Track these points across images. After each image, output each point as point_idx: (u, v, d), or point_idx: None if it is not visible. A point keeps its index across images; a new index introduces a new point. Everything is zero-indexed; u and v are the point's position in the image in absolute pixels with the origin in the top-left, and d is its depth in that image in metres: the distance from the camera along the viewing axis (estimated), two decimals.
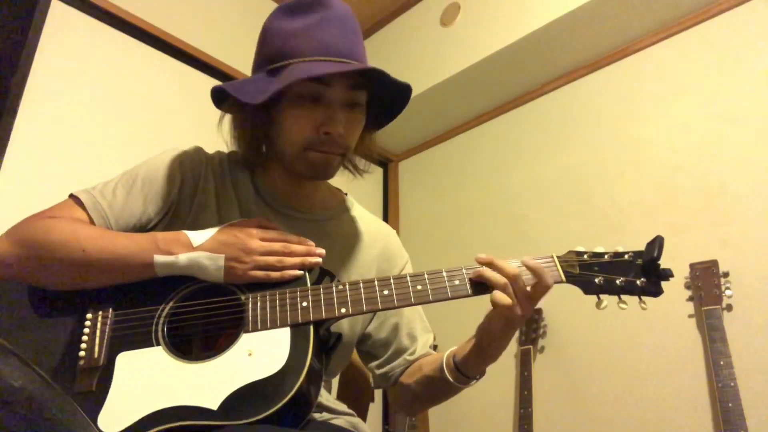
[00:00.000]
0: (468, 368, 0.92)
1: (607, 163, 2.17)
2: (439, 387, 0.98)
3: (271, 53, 0.92)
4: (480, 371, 0.94)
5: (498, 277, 0.82)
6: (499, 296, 0.82)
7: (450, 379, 0.93)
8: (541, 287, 0.83)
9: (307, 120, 0.91)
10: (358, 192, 1.21)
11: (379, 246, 1.08)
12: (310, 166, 0.95)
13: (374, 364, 1.08)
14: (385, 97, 0.96)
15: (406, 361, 1.05)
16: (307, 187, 1.03)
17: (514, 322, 0.85)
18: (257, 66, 0.95)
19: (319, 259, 0.90)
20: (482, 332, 0.89)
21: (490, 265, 0.84)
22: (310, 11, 0.90)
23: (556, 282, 0.86)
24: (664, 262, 0.86)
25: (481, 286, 0.85)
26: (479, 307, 0.87)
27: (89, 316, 0.82)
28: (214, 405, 0.73)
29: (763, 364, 1.62)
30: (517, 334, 2.18)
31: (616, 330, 1.95)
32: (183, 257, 0.83)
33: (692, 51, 2.04)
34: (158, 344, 0.80)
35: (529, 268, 0.83)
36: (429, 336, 1.10)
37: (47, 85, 1.79)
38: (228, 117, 1.00)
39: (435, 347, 1.11)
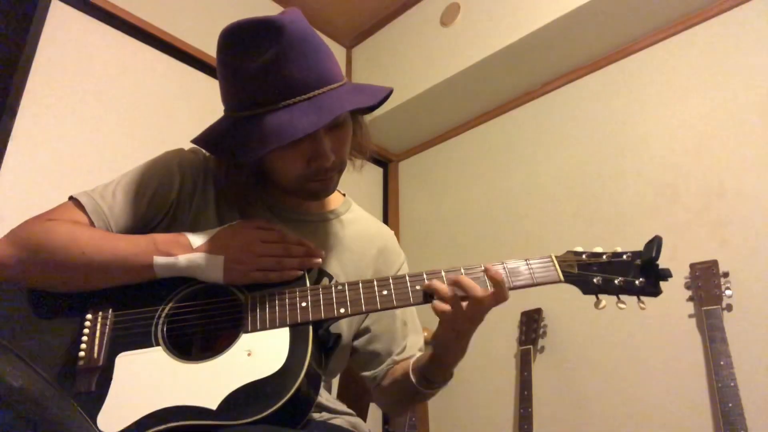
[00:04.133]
0: (431, 374, 0.95)
1: (607, 163, 2.16)
2: (408, 392, 0.99)
3: (235, 96, 0.87)
4: (443, 377, 0.96)
5: (442, 287, 0.84)
6: (438, 304, 0.84)
7: (415, 383, 0.96)
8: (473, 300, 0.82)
9: (294, 158, 0.89)
10: (358, 192, 1.21)
11: (377, 246, 1.08)
12: (310, 194, 0.96)
13: (362, 366, 1.07)
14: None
15: (394, 362, 1.05)
16: None
17: (462, 331, 0.87)
18: (225, 103, 0.91)
19: (319, 260, 0.91)
20: (435, 341, 0.92)
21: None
22: (264, 45, 0.81)
23: (555, 282, 0.86)
24: (664, 262, 0.86)
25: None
26: None
27: (89, 316, 0.83)
28: (213, 405, 0.74)
29: (763, 364, 1.62)
30: (517, 334, 2.19)
31: (616, 330, 1.95)
32: (183, 258, 0.84)
33: (692, 51, 2.04)
34: (158, 344, 0.80)
35: (459, 283, 0.83)
36: (418, 338, 1.10)
37: (47, 85, 1.78)
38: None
39: None
